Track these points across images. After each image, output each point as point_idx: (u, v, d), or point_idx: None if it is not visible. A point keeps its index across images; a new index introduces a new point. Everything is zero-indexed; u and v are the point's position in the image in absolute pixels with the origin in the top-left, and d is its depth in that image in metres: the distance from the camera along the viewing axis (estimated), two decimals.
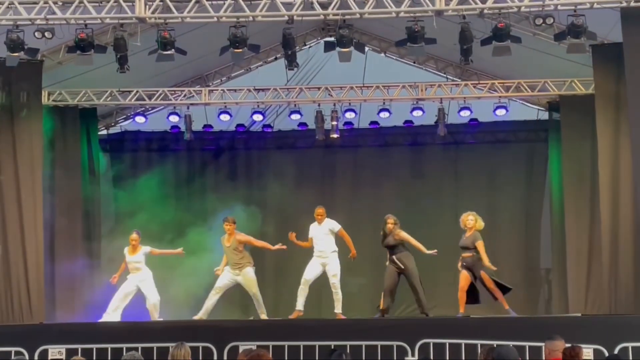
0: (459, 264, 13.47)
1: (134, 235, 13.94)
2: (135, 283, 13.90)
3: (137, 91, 16.82)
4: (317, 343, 11.37)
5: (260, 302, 13.83)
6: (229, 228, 13.76)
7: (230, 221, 13.82)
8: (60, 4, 13.29)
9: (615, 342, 10.63)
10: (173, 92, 17.19)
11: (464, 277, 13.29)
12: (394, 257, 13.54)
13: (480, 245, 13.20)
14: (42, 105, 15.63)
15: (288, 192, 17.61)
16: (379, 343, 11.46)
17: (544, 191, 17.57)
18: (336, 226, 13.77)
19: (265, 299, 14.11)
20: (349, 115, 17.34)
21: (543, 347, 8.99)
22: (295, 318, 13.46)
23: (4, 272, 14.83)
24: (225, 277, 13.85)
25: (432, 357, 11.03)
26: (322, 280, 14.09)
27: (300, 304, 13.63)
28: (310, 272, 13.70)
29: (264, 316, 13.79)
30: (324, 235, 13.72)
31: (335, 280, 13.65)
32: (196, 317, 13.65)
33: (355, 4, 13.23)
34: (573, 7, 13.14)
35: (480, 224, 13.43)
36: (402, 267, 13.47)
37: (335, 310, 13.70)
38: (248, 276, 13.75)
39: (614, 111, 14.63)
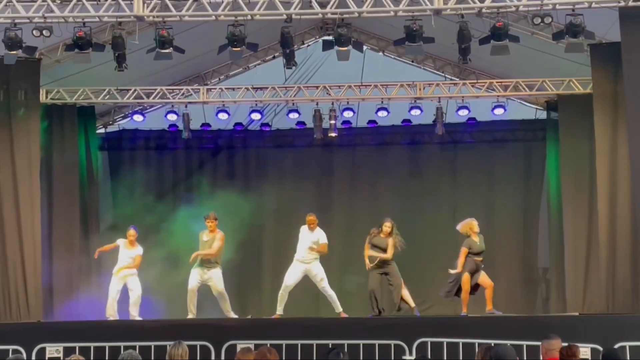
0: (477, 267, 13.76)
1: (132, 232, 14.18)
2: (123, 278, 14.09)
3: (135, 89, 16.80)
4: (315, 342, 11.38)
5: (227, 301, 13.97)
6: (211, 225, 13.87)
7: (212, 218, 13.93)
8: (59, 2, 13.27)
9: (612, 341, 10.61)
10: (171, 90, 17.18)
11: (468, 281, 13.68)
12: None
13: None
14: (40, 104, 15.60)
15: (286, 190, 17.62)
16: (376, 342, 11.47)
17: (541, 190, 17.58)
18: (324, 239, 13.88)
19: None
20: (347, 114, 17.33)
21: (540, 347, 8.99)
22: (294, 317, 13.49)
23: (1, 271, 14.82)
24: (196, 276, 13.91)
25: (429, 356, 11.03)
26: None
27: (280, 309, 13.74)
28: (292, 278, 13.78)
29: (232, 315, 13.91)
30: (312, 243, 13.77)
31: (324, 283, 13.78)
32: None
33: (353, 2, 13.23)
34: (571, 7, 13.14)
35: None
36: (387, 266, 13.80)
37: (337, 311, 13.75)
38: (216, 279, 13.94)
39: (612, 110, 14.64)
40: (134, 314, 14.06)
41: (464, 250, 13.68)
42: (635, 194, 13.52)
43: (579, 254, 15.79)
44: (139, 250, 14.27)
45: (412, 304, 13.88)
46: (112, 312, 14.05)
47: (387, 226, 13.82)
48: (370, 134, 18.05)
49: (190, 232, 15.86)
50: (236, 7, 13.22)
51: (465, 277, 13.67)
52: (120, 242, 14.31)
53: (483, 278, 13.81)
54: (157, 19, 13.41)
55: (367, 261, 13.93)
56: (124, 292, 14.28)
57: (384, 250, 13.80)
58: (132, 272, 14.19)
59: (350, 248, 17.15)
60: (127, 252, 14.20)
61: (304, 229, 13.95)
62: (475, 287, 13.84)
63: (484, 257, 13.93)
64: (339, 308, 13.79)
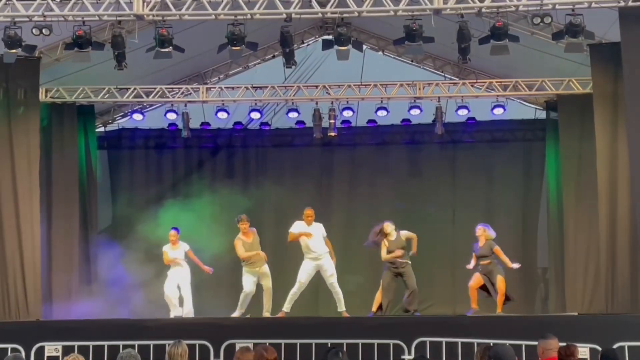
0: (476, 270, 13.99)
1: (172, 232, 14.28)
2: (177, 278, 14.19)
3: (134, 88, 16.79)
4: (314, 341, 11.38)
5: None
6: (246, 226, 13.86)
7: (245, 219, 13.92)
8: (58, 0, 13.26)
9: (611, 341, 10.62)
10: (171, 89, 17.17)
11: (478, 278, 13.92)
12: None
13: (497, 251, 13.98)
14: (39, 102, 15.59)
15: (285, 190, 17.61)
16: (375, 341, 11.48)
17: (541, 190, 17.59)
18: (323, 231, 13.85)
19: (261, 296, 14.11)
20: (347, 114, 17.33)
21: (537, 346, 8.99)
22: (293, 317, 13.48)
23: (0, 270, 14.81)
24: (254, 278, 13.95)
25: (428, 356, 11.03)
26: (318, 279, 14.10)
27: (288, 308, 13.69)
28: (306, 275, 13.71)
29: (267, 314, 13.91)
30: (319, 236, 13.73)
31: (333, 279, 13.75)
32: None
33: (353, 2, 13.23)
34: (571, 7, 13.13)
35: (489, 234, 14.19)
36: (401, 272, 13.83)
37: (339, 309, 13.75)
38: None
39: (612, 110, 14.64)
40: (188, 310, 14.16)
41: (496, 250, 13.93)
42: (635, 194, 13.52)
43: (579, 253, 15.81)
44: (184, 246, 14.35)
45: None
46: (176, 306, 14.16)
47: (387, 226, 13.85)
48: (369, 134, 18.05)
49: (190, 231, 15.88)
50: (236, 6, 13.22)
51: (477, 278, 13.94)
52: (165, 248, 14.32)
53: (499, 282, 13.86)
54: (156, 17, 13.40)
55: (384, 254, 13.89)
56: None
57: (401, 249, 13.81)
58: (184, 274, 14.28)
59: (350, 247, 17.17)
60: (175, 252, 14.28)
61: (301, 224, 13.78)
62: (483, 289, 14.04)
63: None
64: (342, 307, 13.75)
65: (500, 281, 13.75)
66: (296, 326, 12.16)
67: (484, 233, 14.09)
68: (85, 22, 13.43)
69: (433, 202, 17.70)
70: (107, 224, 17.83)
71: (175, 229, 14.46)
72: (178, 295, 14.16)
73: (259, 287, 14.00)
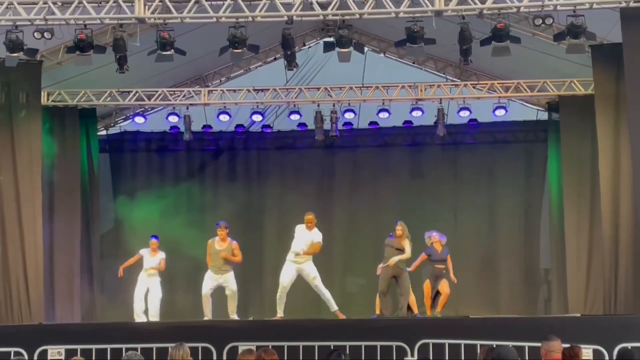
0: (438, 274, 14.24)
1: (154, 241, 14.40)
2: (147, 283, 14.30)
3: (136, 91, 16.81)
4: (316, 343, 11.37)
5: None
6: (223, 233, 13.83)
7: (223, 227, 13.88)
8: (60, 4, 13.29)
9: (614, 342, 10.63)
10: (172, 92, 17.19)
11: (429, 286, 14.25)
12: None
13: (449, 259, 14.41)
14: (41, 106, 15.61)
15: (287, 192, 17.62)
16: (378, 343, 11.47)
17: (543, 191, 17.58)
18: (318, 238, 13.73)
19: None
20: (349, 116, 17.33)
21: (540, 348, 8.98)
22: (295, 319, 13.49)
23: (3, 273, 14.83)
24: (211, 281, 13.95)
25: (431, 358, 11.03)
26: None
27: (281, 311, 13.69)
28: (287, 278, 13.69)
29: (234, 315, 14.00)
30: (305, 244, 13.68)
31: (317, 282, 13.71)
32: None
33: (354, 4, 13.23)
34: (572, 8, 13.13)
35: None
36: (399, 270, 13.84)
37: (332, 310, 13.71)
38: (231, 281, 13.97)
39: (614, 111, 14.63)
40: (154, 314, 14.20)
41: (449, 258, 14.39)
42: (637, 195, 13.49)
43: (581, 255, 15.80)
44: (161, 254, 14.43)
45: (416, 311, 13.95)
46: (139, 314, 14.23)
47: (398, 229, 13.87)
48: (371, 135, 18.04)
49: (191, 234, 15.90)
50: (237, 9, 13.22)
51: (426, 283, 14.17)
52: (144, 252, 14.44)
53: (442, 285, 14.15)
54: (158, 20, 13.41)
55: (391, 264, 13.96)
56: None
57: (400, 252, 13.81)
58: (154, 274, 14.37)
59: (352, 249, 17.19)
60: (152, 259, 14.38)
61: (300, 228, 13.78)
62: (436, 294, 14.29)
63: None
64: (333, 307, 13.72)
65: (445, 285, 14.09)
66: (299, 328, 12.16)
67: (439, 240, 14.41)
68: (86, 25, 13.45)
69: (435, 203, 17.68)
70: (109, 227, 17.84)
71: (155, 237, 14.51)
72: (143, 306, 14.25)
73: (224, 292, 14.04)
